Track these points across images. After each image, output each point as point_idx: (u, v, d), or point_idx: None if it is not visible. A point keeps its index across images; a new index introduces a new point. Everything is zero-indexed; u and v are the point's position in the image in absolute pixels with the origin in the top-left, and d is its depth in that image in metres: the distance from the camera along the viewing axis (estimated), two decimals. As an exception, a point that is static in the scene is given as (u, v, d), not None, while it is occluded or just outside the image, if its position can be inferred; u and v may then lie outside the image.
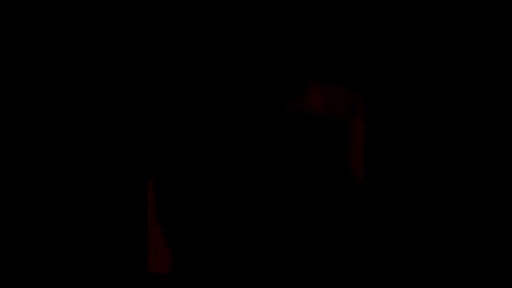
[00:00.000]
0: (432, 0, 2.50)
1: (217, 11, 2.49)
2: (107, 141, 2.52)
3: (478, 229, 2.48)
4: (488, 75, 2.51)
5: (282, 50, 2.54)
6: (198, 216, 2.59)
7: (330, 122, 2.60)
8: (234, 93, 2.57)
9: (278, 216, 2.59)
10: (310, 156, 2.60)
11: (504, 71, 2.49)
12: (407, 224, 2.52)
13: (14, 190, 2.50)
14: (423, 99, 2.52)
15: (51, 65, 2.50)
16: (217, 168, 2.58)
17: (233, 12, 2.48)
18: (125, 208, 2.56)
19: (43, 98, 2.52)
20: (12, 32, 2.46)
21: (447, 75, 2.52)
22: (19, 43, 2.49)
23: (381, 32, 2.52)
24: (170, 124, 2.56)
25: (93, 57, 2.50)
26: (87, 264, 2.55)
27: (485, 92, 2.51)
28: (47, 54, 2.50)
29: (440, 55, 2.52)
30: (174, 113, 2.56)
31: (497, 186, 2.48)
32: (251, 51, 2.51)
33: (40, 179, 2.52)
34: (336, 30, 2.54)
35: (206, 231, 2.59)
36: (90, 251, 2.56)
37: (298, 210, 2.59)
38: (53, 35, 2.48)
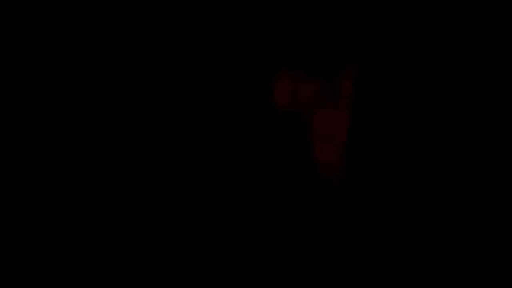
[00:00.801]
0: None
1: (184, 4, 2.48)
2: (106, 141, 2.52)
3: (465, 227, 2.46)
4: (479, 66, 2.49)
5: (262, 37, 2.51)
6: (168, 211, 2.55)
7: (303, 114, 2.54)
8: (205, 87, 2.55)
9: (252, 212, 2.54)
10: (285, 149, 2.56)
11: (493, 59, 2.48)
12: (385, 222, 2.48)
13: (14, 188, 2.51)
14: (412, 93, 2.50)
15: (47, 65, 2.51)
16: (190, 164, 2.55)
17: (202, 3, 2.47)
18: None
19: (41, 98, 2.53)
20: (11, 32, 2.47)
21: (439, 71, 2.50)
22: (17, 42, 2.49)
23: (370, 23, 2.50)
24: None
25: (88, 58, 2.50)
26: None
27: (476, 87, 2.49)
28: (44, 54, 2.51)
29: (433, 51, 2.50)
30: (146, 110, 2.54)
31: (487, 183, 2.45)
32: (219, 44, 2.49)
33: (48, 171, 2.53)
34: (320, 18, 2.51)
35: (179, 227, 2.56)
36: None
37: (272, 206, 2.54)
38: (52, 35, 2.49)
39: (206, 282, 2.49)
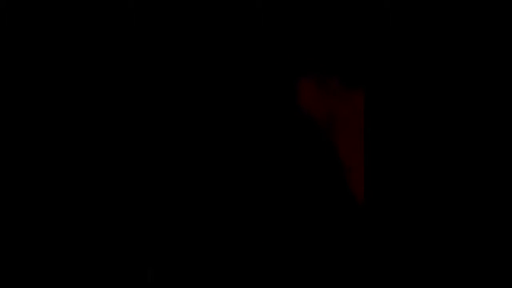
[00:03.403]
0: None
1: (204, 7, 2.48)
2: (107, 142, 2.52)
3: (480, 230, 2.46)
4: (489, 72, 2.49)
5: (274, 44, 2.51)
6: (192, 215, 2.57)
7: (326, 119, 2.56)
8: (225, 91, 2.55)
9: (272, 217, 2.56)
10: (303, 155, 2.57)
11: (501, 68, 2.47)
12: (407, 225, 2.50)
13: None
14: (427, 96, 2.49)
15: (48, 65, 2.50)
16: (213, 168, 2.56)
17: (221, 6, 2.47)
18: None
19: (41, 98, 2.53)
20: (11, 32, 2.47)
21: (448, 73, 2.50)
22: (17, 42, 2.49)
23: (382, 25, 2.50)
24: (165, 123, 2.55)
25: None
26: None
27: (486, 92, 2.49)
28: (44, 54, 2.51)
29: (441, 54, 2.50)
30: (167, 112, 2.54)
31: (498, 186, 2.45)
32: (240, 47, 2.49)
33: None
34: (332, 22, 2.51)
35: (200, 230, 2.58)
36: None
37: (294, 211, 2.56)
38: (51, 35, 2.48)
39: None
